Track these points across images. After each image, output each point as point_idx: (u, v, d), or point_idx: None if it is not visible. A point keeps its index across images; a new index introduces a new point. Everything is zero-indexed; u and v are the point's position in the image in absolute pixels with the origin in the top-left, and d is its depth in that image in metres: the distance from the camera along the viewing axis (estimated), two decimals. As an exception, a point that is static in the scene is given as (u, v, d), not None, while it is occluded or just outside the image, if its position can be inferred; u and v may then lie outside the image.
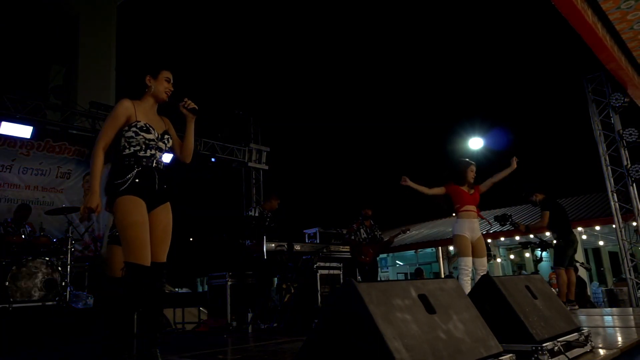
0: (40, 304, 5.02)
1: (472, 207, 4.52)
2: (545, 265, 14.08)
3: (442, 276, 14.79)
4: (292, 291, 5.37)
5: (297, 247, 5.50)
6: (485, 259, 4.50)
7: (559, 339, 2.25)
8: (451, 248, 15.53)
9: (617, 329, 3.93)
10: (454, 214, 4.69)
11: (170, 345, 3.99)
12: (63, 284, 5.21)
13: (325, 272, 5.46)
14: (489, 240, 14.36)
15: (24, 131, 7.08)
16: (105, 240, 7.79)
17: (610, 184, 7.69)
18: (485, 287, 2.38)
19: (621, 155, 7.54)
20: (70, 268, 5.39)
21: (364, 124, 25.92)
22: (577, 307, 6.03)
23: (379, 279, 8.61)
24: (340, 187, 23.88)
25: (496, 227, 12.26)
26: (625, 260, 7.49)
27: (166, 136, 2.69)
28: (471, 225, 4.47)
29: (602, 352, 2.43)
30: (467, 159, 4.70)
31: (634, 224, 7.72)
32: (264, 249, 5.23)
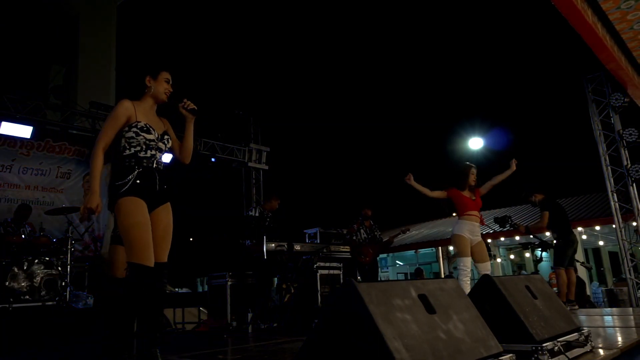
0: (40, 304, 5.02)
1: (475, 212, 4.55)
2: (545, 265, 14.08)
3: (442, 276, 14.79)
4: (292, 291, 5.37)
5: (297, 247, 5.50)
6: (488, 264, 4.50)
7: (559, 339, 2.25)
8: (451, 248, 15.53)
9: (617, 329, 3.93)
10: (454, 214, 4.70)
11: (170, 345, 3.99)
12: (63, 284, 5.21)
13: (325, 272, 5.46)
14: (489, 240, 14.36)
15: (24, 131, 7.08)
16: (106, 240, 7.80)
17: (610, 184, 7.69)
18: (485, 287, 2.38)
19: (621, 155, 7.54)
20: (70, 268, 5.39)
21: (364, 124, 25.93)
22: (577, 307, 6.03)
23: (379, 279, 8.61)
24: (340, 187, 23.90)
25: (496, 227, 12.25)
26: (625, 260, 7.49)
27: (166, 137, 2.69)
28: (472, 228, 4.48)
29: (602, 352, 2.43)
30: (467, 162, 4.71)
31: (634, 224, 7.73)
32: (264, 249, 5.23)
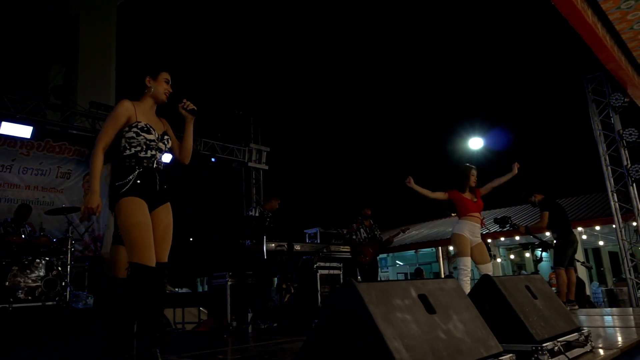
0: (40, 304, 5.02)
1: (477, 214, 4.55)
2: (545, 265, 14.09)
3: (442, 276, 14.79)
4: (292, 291, 5.37)
5: (297, 247, 5.50)
6: (489, 265, 4.49)
7: (559, 339, 2.25)
8: (451, 248, 15.53)
9: (617, 329, 3.93)
10: (454, 214, 4.70)
11: (170, 345, 3.99)
12: (63, 284, 5.22)
13: (325, 272, 5.46)
14: (489, 241, 14.37)
15: (24, 131, 7.08)
16: (106, 240, 7.80)
17: (610, 184, 7.69)
18: (485, 287, 2.38)
19: (621, 155, 7.54)
20: (70, 268, 5.39)
21: (364, 124, 25.92)
22: (577, 307, 6.04)
23: (379, 278, 8.61)
24: (340, 187, 23.89)
25: (496, 227, 12.25)
26: (625, 260, 7.50)
27: (166, 137, 2.70)
28: (472, 229, 4.48)
29: (602, 352, 2.43)
30: (467, 164, 4.70)
31: (634, 224, 7.73)
32: (264, 249, 5.24)
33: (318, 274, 5.36)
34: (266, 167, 10.21)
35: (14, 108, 7.19)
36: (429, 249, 17.39)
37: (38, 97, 8.08)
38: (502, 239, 14.90)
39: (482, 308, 2.05)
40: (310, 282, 5.34)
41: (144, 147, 2.57)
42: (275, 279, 5.90)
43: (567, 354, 2.19)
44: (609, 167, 7.69)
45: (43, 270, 5.14)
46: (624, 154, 7.51)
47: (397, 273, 19.40)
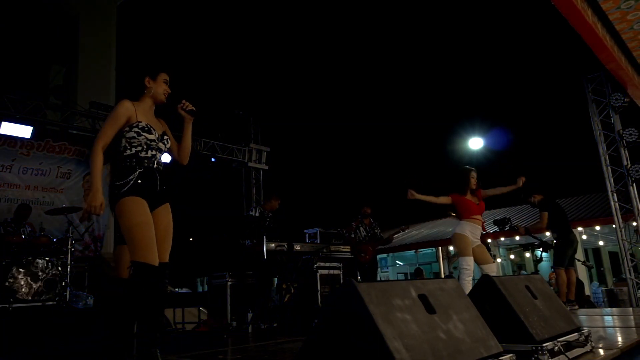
0: (40, 304, 5.02)
1: (479, 217, 4.54)
2: (545, 265, 14.09)
3: (442, 276, 14.79)
4: (292, 291, 5.37)
5: (297, 247, 5.50)
6: (493, 265, 4.47)
7: (559, 339, 2.25)
8: (451, 248, 15.54)
9: (617, 329, 3.93)
10: (453, 214, 4.69)
11: (170, 345, 3.99)
12: (63, 284, 5.21)
13: (325, 272, 5.46)
14: (489, 241, 14.36)
15: (24, 131, 7.08)
16: (107, 240, 7.81)
17: (610, 184, 7.69)
18: (485, 287, 2.38)
19: (621, 155, 7.54)
20: (70, 268, 5.39)
21: (364, 124, 25.91)
22: (577, 307, 6.04)
23: (378, 278, 8.61)
24: (340, 187, 23.89)
25: (496, 228, 12.24)
26: (625, 260, 7.50)
27: (165, 137, 2.70)
28: (473, 230, 4.47)
29: (602, 352, 2.43)
30: (466, 166, 4.69)
31: (634, 224, 7.73)
32: (264, 249, 5.24)
33: (318, 274, 5.36)
34: (266, 167, 10.21)
35: (14, 108, 7.19)
36: (429, 249, 17.39)
37: (38, 97, 8.08)
38: (502, 239, 14.90)
39: (482, 308, 2.05)
40: (310, 282, 5.34)
41: (145, 147, 2.57)
42: (275, 279, 5.90)
43: (567, 354, 2.19)
44: (609, 167, 7.70)
45: (43, 270, 5.14)
46: (624, 154, 7.52)
47: (397, 273, 19.39)
